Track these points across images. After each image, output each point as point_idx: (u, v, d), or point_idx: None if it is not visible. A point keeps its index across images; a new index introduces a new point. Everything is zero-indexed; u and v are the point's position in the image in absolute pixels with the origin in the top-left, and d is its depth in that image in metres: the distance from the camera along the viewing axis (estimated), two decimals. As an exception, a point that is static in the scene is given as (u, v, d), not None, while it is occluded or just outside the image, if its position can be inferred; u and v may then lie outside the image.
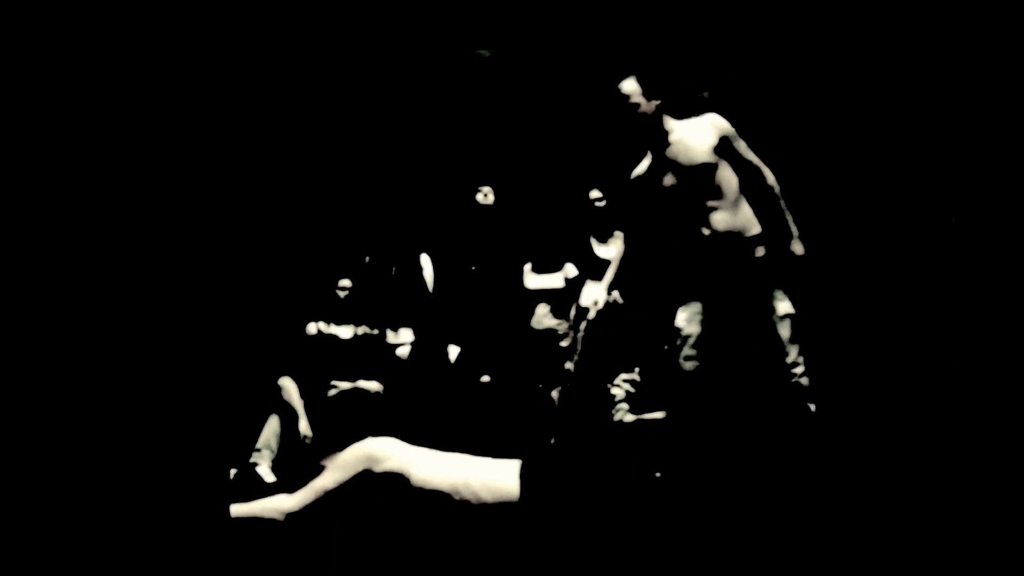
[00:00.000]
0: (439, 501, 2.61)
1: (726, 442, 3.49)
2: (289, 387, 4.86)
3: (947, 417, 2.86)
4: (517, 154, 6.11)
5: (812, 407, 3.33)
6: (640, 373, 4.50)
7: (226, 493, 2.73)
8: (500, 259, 5.66)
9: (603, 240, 5.50)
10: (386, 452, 2.71)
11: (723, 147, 3.50)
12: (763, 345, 3.45)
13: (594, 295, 4.00)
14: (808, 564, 2.72)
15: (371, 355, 5.22)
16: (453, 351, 5.27)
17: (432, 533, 2.62)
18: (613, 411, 4.44)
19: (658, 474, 3.61)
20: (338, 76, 5.89)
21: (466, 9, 5.79)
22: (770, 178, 3.52)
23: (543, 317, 5.50)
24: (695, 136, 3.51)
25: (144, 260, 2.38)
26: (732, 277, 3.47)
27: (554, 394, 4.83)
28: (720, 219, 3.47)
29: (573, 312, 5.42)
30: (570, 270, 5.53)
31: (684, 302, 3.57)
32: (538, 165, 6.09)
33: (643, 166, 3.63)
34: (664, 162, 3.54)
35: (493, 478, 2.64)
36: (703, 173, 3.47)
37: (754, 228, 3.50)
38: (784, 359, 3.39)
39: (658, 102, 3.53)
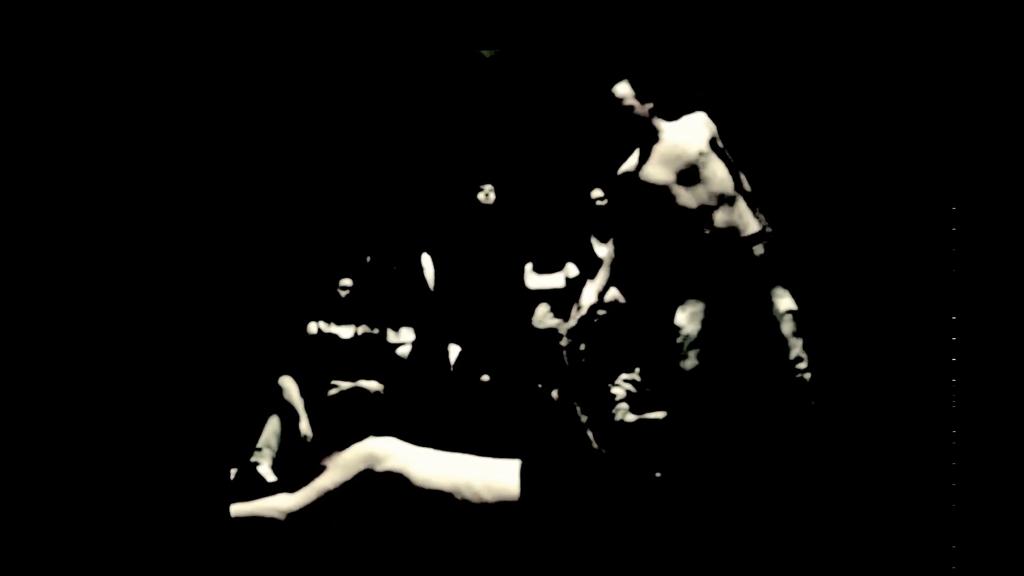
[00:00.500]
0: (440, 501, 2.61)
1: (726, 442, 3.49)
2: (289, 387, 4.86)
3: (947, 416, 2.85)
4: (518, 154, 6.11)
5: (814, 404, 3.33)
6: (640, 373, 4.50)
7: (226, 493, 2.74)
8: (501, 259, 5.66)
9: (604, 240, 5.50)
10: (387, 452, 2.71)
11: (714, 145, 3.51)
12: (765, 342, 3.45)
13: (586, 299, 4.02)
14: (808, 564, 2.71)
15: (371, 355, 5.22)
16: (453, 351, 5.26)
17: (432, 533, 2.62)
18: (613, 411, 4.43)
19: (658, 474, 3.60)
20: (339, 75, 5.89)
21: (467, 8, 5.79)
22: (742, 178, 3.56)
23: (544, 317, 5.50)
24: (687, 135, 3.52)
25: (145, 260, 2.38)
26: (731, 275, 3.48)
27: (554, 394, 4.83)
28: (718, 217, 3.47)
29: (573, 312, 5.41)
30: (571, 270, 5.53)
31: (683, 301, 3.58)
32: (539, 165, 6.09)
33: (630, 163, 3.64)
34: (658, 161, 3.55)
35: (493, 478, 2.64)
36: (697, 171, 3.48)
37: (751, 226, 3.50)
38: (787, 356, 3.40)
39: (651, 105, 3.55)
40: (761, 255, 3.47)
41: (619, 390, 4.50)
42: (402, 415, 4.76)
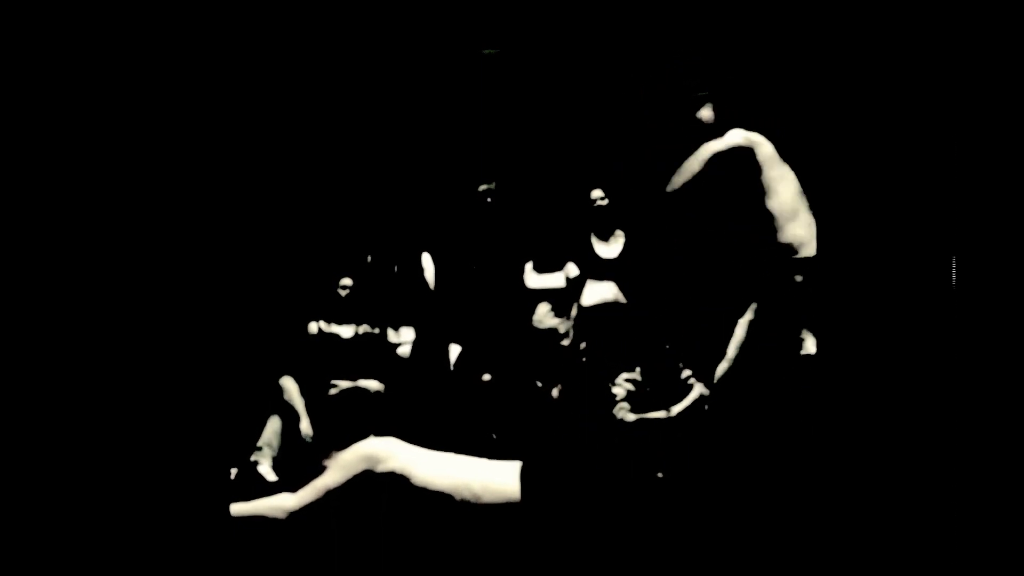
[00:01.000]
0: (440, 502, 2.61)
1: (726, 442, 3.49)
2: (290, 387, 4.87)
3: (947, 417, 2.86)
4: (519, 153, 6.11)
5: (813, 403, 3.33)
6: (640, 373, 4.50)
7: (226, 493, 2.74)
8: (501, 258, 5.66)
9: (605, 239, 5.51)
10: (387, 452, 2.71)
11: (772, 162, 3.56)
12: (765, 343, 3.47)
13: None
14: (809, 563, 2.72)
15: (372, 354, 5.22)
16: (454, 350, 5.27)
17: (433, 533, 2.63)
18: (614, 410, 4.44)
19: (660, 474, 3.61)
20: (339, 75, 5.89)
21: (469, 8, 5.79)
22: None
23: (544, 316, 5.50)
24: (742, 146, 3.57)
25: (145, 260, 2.38)
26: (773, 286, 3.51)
27: (554, 393, 4.83)
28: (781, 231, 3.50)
29: (574, 312, 5.42)
30: (571, 269, 5.53)
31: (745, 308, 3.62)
32: (540, 164, 6.09)
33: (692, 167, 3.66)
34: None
35: (494, 479, 2.64)
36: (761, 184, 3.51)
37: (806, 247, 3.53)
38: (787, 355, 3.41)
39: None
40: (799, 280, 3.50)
41: (619, 390, 4.50)
42: (402, 415, 4.76)
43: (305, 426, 4.79)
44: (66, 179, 2.31)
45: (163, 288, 2.40)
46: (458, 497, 2.61)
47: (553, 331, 5.45)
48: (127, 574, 2.30)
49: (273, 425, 4.77)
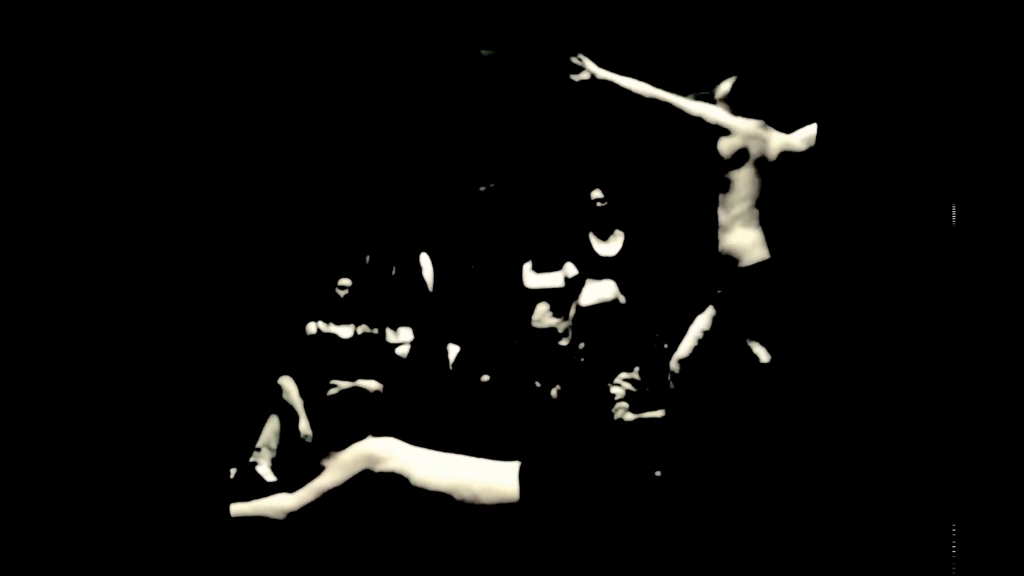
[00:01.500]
0: (439, 502, 2.61)
1: (725, 441, 3.49)
2: (289, 387, 4.87)
3: (946, 417, 2.86)
4: (518, 153, 6.11)
5: (810, 405, 3.34)
6: (640, 373, 4.51)
7: (226, 493, 2.73)
8: (500, 258, 5.66)
9: (604, 239, 5.51)
10: (386, 452, 2.71)
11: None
12: (762, 343, 3.47)
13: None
14: (807, 563, 2.72)
15: (371, 355, 5.22)
16: (453, 351, 5.27)
17: (432, 534, 2.63)
18: (613, 410, 4.44)
19: (658, 473, 3.61)
20: (339, 75, 5.89)
21: (467, 8, 5.79)
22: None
23: (543, 316, 5.51)
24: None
25: (145, 260, 2.38)
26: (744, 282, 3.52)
27: (554, 393, 4.84)
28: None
29: (573, 311, 5.43)
30: (570, 269, 5.53)
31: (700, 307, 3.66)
32: (539, 164, 6.09)
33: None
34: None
35: (493, 479, 2.64)
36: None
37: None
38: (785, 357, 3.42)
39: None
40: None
41: (619, 390, 4.51)
42: (401, 415, 4.76)
43: (304, 426, 4.79)
44: (65, 179, 2.31)
45: (162, 288, 2.40)
46: (457, 497, 2.61)
47: (552, 331, 5.45)
48: (127, 574, 2.30)
49: (272, 425, 4.77)
